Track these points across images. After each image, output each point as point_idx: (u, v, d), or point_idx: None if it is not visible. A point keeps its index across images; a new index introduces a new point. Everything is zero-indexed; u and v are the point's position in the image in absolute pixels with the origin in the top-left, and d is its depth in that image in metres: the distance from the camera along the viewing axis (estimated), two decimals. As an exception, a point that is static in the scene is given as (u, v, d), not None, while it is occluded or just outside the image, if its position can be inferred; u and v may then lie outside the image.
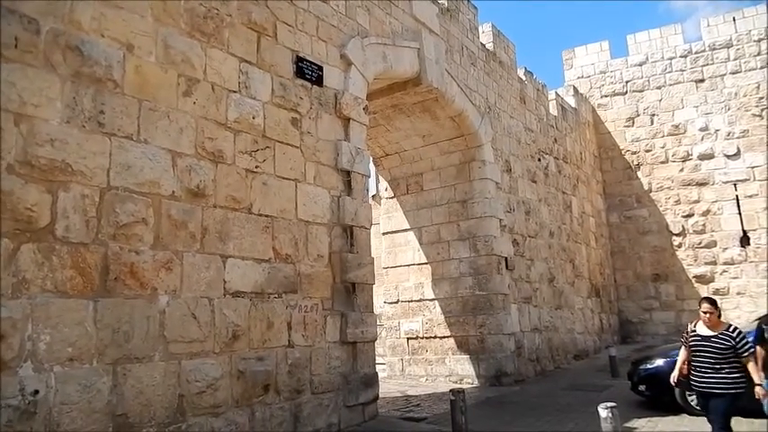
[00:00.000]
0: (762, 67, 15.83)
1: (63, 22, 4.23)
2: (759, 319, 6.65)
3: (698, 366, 4.95)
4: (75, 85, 4.23)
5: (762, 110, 15.63)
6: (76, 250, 4.08)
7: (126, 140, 4.53)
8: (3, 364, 3.56)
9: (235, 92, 5.60)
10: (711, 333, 4.92)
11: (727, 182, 15.80)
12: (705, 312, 4.96)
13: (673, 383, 5.30)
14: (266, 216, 5.72)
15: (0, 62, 3.80)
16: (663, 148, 17.00)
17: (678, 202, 16.53)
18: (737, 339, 4.78)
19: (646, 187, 17.14)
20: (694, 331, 5.08)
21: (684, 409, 6.93)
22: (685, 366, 5.14)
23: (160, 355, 4.51)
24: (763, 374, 4.77)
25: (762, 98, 15.66)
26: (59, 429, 3.77)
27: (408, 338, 10.93)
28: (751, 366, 4.72)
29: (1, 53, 3.81)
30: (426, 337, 10.68)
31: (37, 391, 3.69)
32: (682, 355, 5.28)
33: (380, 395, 6.99)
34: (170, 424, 4.48)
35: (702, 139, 16.39)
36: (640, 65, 17.64)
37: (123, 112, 4.53)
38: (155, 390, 4.42)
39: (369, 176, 7.29)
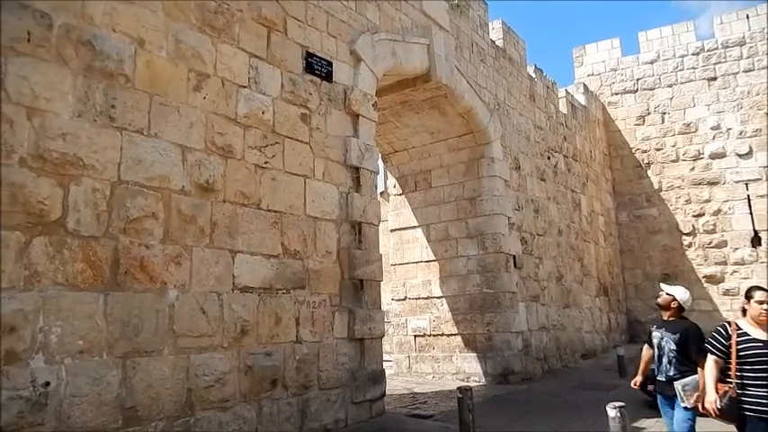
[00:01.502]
0: (775, 66, 15.67)
1: (75, 16, 4.25)
2: None
3: (760, 383, 3.50)
4: (86, 80, 4.25)
5: (775, 109, 15.47)
6: (87, 244, 4.10)
7: (137, 135, 4.55)
8: (15, 356, 3.60)
9: (244, 87, 5.61)
10: None
11: (739, 181, 15.65)
12: (762, 302, 3.52)
13: (714, 412, 3.61)
14: (275, 212, 5.73)
15: (9, 56, 3.82)
16: (674, 146, 16.86)
17: (689, 202, 16.39)
18: None
19: (656, 186, 17.01)
20: (743, 333, 3.62)
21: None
22: (729, 387, 3.56)
23: (169, 348, 4.53)
24: None
25: (775, 97, 15.50)
26: (69, 421, 3.80)
27: (416, 336, 10.92)
28: None
29: (6, 46, 3.84)
30: (434, 335, 10.66)
31: (48, 383, 3.72)
32: (714, 369, 3.68)
33: (387, 392, 6.99)
34: (178, 418, 4.50)
35: (714, 137, 16.24)
36: (652, 62, 17.49)
37: (134, 107, 4.55)
38: (163, 383, 4.44)
39: (377, 173, 7.27)
